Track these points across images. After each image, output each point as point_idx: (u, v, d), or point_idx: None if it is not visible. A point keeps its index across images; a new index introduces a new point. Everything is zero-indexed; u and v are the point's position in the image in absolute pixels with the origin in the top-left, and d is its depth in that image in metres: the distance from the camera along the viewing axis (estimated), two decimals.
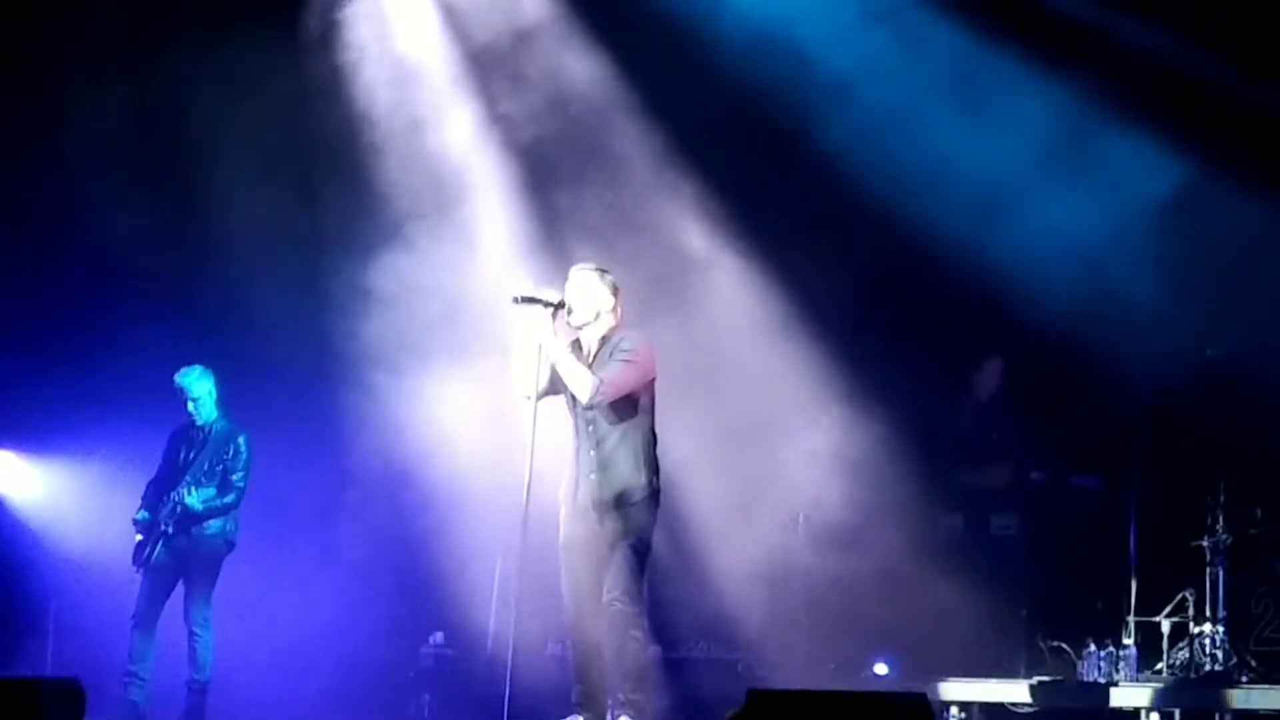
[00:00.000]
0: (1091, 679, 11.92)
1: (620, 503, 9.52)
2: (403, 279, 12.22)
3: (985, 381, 13.10)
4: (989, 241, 12.37)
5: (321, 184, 12.67)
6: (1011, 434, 12.99)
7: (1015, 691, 12.03)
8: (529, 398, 9.62)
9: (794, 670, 11.55)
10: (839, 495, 12.54)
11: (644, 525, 9.56)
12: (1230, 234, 11.91)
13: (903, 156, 12.38)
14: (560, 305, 9.61)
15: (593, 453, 9.59)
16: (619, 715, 9.41)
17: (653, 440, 9.68)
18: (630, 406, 9.60)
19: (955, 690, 12.10)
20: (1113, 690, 11.71)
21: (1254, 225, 11.88)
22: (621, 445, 9.58)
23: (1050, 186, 12.19)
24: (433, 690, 12.09)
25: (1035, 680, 12.00)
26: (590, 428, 9.61)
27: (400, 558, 12.29)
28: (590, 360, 9.64)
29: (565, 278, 9.76)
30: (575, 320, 9.67)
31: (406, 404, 12.18)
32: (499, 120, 12.54)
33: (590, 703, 9.56)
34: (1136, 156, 12.15)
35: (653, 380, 9.70)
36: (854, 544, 12.58)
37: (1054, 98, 12.28)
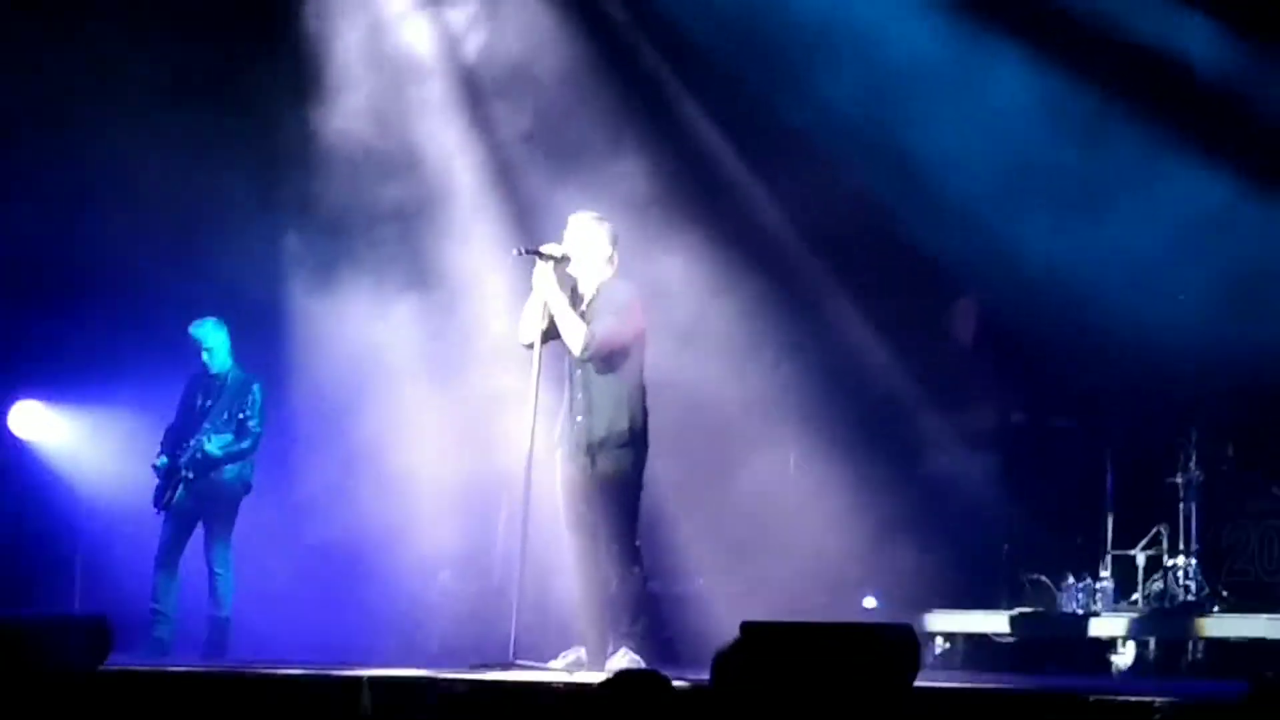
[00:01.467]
0: (1070, 610, 11.92)
1: (608, 445, 9.55)
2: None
3: (961, 322, 13.01)
4: (971, 186, 12.32)
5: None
6: (993, 379, 12.95)
7: (997, 622, 12.04)
8: (530, 345, 9.62)
9: (786, 604, 11.52)
10: (826, 436, 12.52)
11: (632, 466, 9.59)
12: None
13: (893, 106, 12.33)
14: (563, 259, 9.61)
15: (581, 397, 9.62)
16: (619, 647, 9.41)
17: (640, 386, 9.69)
18: (620, 356, 9.62)
19: (940, 621, 12.12)
20: (1091, 621, 11.72)
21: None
22: (609, 391, 9.59)
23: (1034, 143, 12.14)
24: (442, 626, 12.07)
25: (1017, 611, 12.01)
26: (580, 373, 9.64)
27: (408, 499, 12.25)
28: (585, 308, 9.62)
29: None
30: (573, 268, 9.66)
31: (410, 355, 12.14)
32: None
33: (591, 634, 9.55)
34: (1109, 118, 12.10)
35: (642, 331, 9.67)
36: (844, 483, 12.56)
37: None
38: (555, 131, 12.24)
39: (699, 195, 12.38)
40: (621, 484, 9.52)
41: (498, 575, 10.93)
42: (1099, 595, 11.93)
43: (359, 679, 8.65)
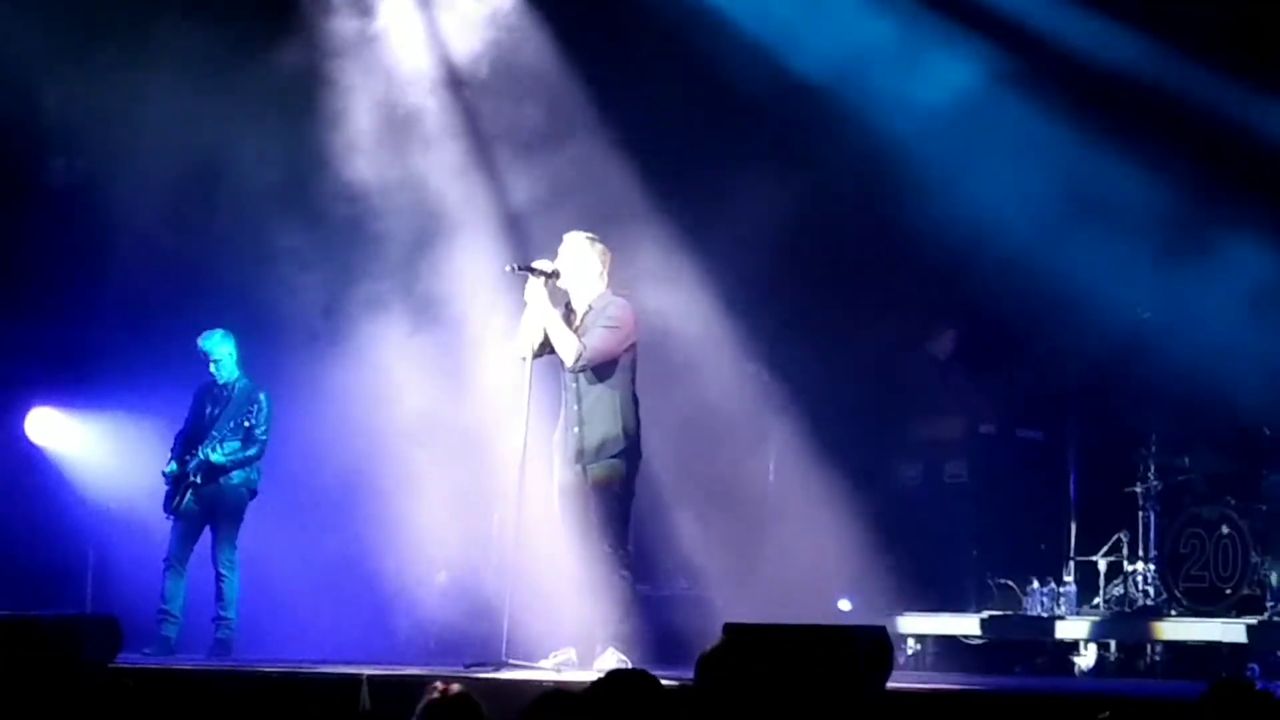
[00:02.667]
0: (1035, 613, 11.93)
1: (601, 454, 9.59)
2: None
3: (941, 346, 13.07)
4: (945, 208, 12.33)
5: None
6: (963, 391, 12.97)
7: (966, 625, 12.04)
8: (524, 358, 9.67)
9: (766, 606, 11.52)
10: (807, 445, 12.53)
11: (624, 475, 9.64)
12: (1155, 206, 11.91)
13: (865, 117, 12.35)
14: (553, 274, 9.66)
15: (576, 408, 9.66)
16: (607, 648, 9.42)
17: (632, 398, 9.74)
18: (611, 367, 9.68)
19: (912, 624, 12.12)
20: (1055, 624, 11.73)
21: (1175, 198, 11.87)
22: (602, 402, 9.64)
23: (990, 164, 12.14)
24: (439, 626, 12.07)
25: (984, 614, 12.02)
26: (575, 385, 9.69)
27: (409, 505, 12.25)
28: (579, 323, 9.66)
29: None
30: (565, 284, 9.71)
31: (415, 361, 12.13)
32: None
33: (580, 635, 9.57)
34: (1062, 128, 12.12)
35: (634, 343, 9.72)
36: (820, 490, 12.58)
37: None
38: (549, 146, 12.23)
39: (684, 204, 12.37)
40: (614, 491, 9.57)
41: (493, 578, 10.92)
42: (1062, 599, 11.95)
43: (358, 677, 8.66)
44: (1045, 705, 8.08)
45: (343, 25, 12.21)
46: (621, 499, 9.62)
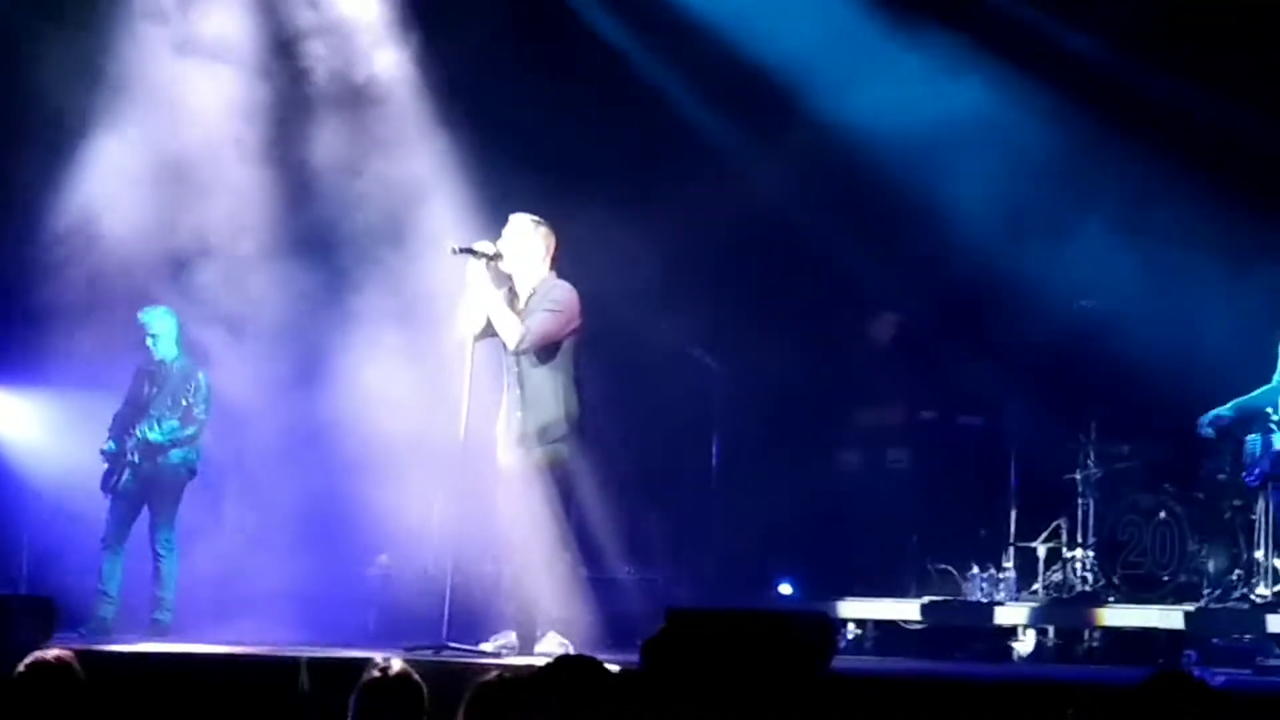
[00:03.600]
0: (975, 599, 11.99)
1: (543, 437, 9.55)
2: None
3: (882, 331, 13.11)
4: (889, 196, 12.38)
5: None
6: (904, 377, 13.01)
7: (906, 610, 12.08)
8: (465, 342, 9.61)
9: (709, 591, 11.56)
10: (749, 430, 12.56)
11: (566, 458, 9.59)
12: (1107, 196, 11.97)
13: (809, 99, 12.36)
14: (495, 256, 9.61)
15: (519, 391, 9.63)
16: (548, 631, 9.40)
17: (575, 381, 9.68)
18: (553, 351, 9.63)
19: (853, 608, 12.15)
20: (994, 609, 11.78)
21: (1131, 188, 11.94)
22: (544, 385, 9.60)
23: (951, 146, 12.18)
24: (379, 608, 12.03)
25: (925, 600, 12.06)
26: (517, 368, 9.64)
27: (349, 486, 12.20)
28: (522, 306, 9.62)
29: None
30: (507, 267, 9.65)
31: (349, 349, 12.08)
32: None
33: (521, 619, 9.54)
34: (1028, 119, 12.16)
35: (578, 328, 9.67)
36: (762, 475, 12.61)
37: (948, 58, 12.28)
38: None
39: (631, 189, 12.36)
40: (556, 474, 9.53)
41: (433, 560, 10.88)
42: (1002, 585, 12.01)
43: (297, 659, 8.62)
44: (983, 690, 8.10)
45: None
46: (564, 482, 9.58)
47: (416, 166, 12.07)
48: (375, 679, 5.87)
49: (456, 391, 9.63)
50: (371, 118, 12.16)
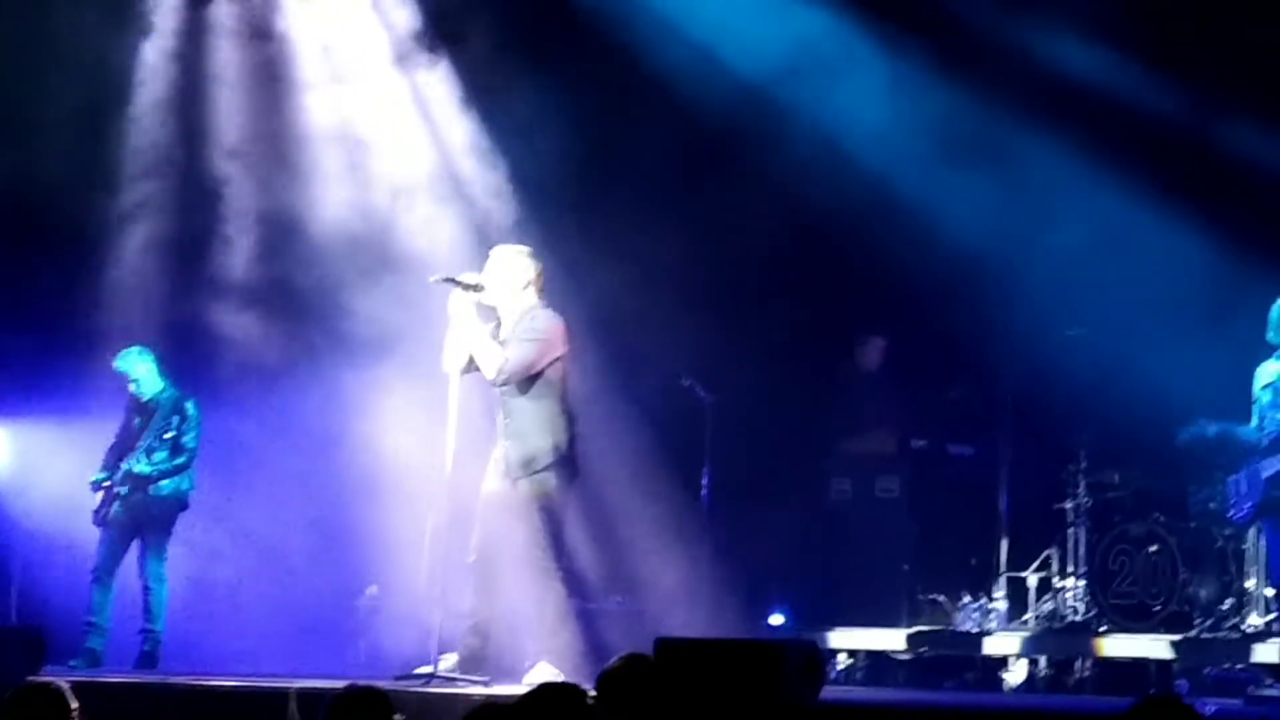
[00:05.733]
0: (966, 629, 11.97)
1: (529, 468, 9.53)
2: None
3: (869, 356, 13.10)
4: (877, 224, 12.40)
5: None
6: (895, 406, 13.01)
7: (897, 640, 12.07)
8: (451, 373, 9.59)
9: (699, 621, 11.54)
10: (740, 460, 12.56)
11: (554, 489, 9.55)
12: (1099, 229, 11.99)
13: (796, 132, 12.38)
14: (476, 287, 9.59)
15: (506, 421, 9.63)
16: (539, 661, 9.39)
17: (562, 412, 9.64)
18: (539, 381, 9.59)
19: (843, 638, 12.13)
20: (985, 639, 11.77)
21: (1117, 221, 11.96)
22: (530, 415, 9.57)
23: (941, 176, 12.20)
24: (368, 639, 12.02)
25: (915, 630, 12.05)
26: (504, 399, 9.63)
27: (340, 518, 12.20)
28: (506, 336, 9.61)
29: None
30: (490, 299, 9.63)
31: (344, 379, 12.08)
32: None
33: (476, 639, 9.52)
34: (1030, 148, 12.18)
35: (560, 357, 9.65)
36: (753, 505, 12.61)
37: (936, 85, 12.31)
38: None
39: (619, 217, 12.38)
40: (544, 504, 9.50)
41: (423, 591, 10.87)
42: (993, 615, 12.00)
43: (287, 690, 8.60)
44: None
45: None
46: (553, 513, 9.54)
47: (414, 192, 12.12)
48: (341, 694, 5.93)
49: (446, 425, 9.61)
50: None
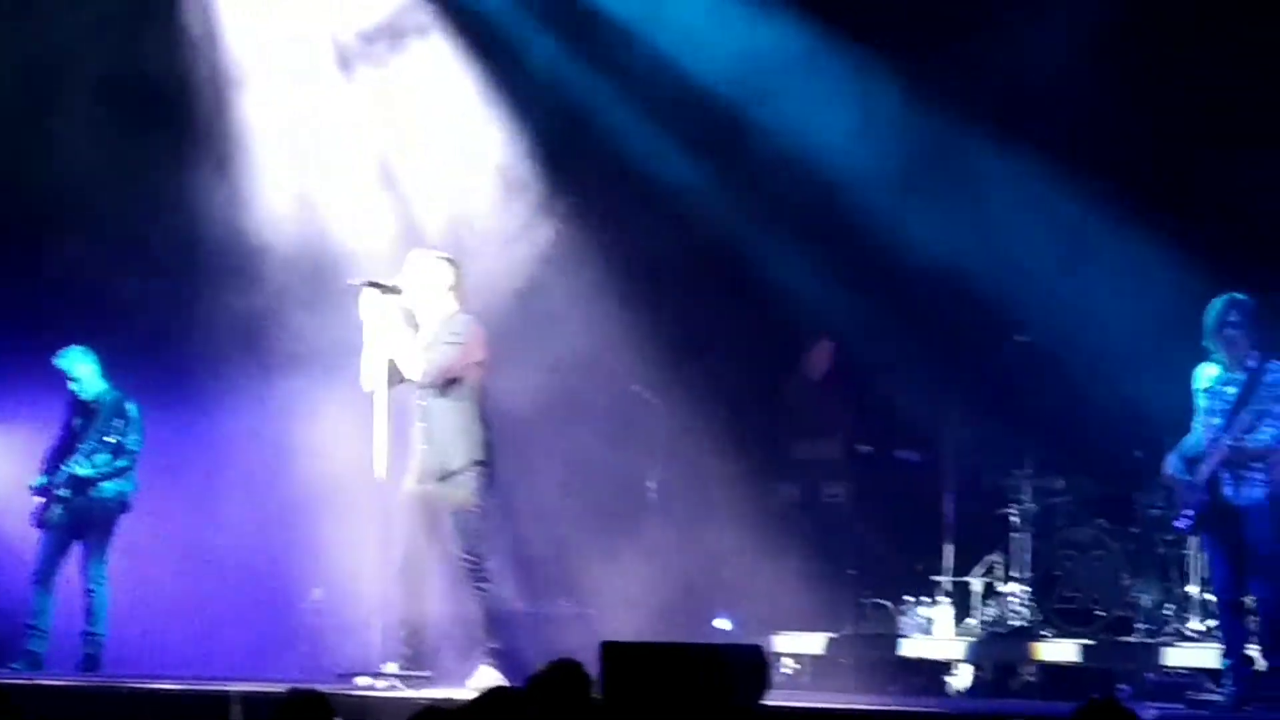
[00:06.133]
0: (910, 633, 12.02)
1: (451, 472, 9.53)
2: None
3: (817, 360, 13.13)
4: (823, 227, 12.45)
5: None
6: (842, 412, 13.06)
7: (842, 644, 12.11)
8: (377, 383, 9.62)
9: (647, 625, 11.56)
10: (686, 465, 12.58)
11: (471, 493, 9.53)
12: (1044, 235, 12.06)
13: (749, 137, 12.41)
14: (392, 289, 9.64)
15: (425, 425, 9.62)
16: (480, 665, 9.39)
17: (479, 417, 9.63)
18: (456, 386, 9.59)
19: (788, 642, 12.17)
20: (929, 644, 11.82)
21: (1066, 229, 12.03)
22: (446, 421, 9.56)
23: (894, 184, 12.27)
24: (312, 643, 12.00)
25: (860, 634, 12.09)
26: (423, 404, 9.63)
27: (285, 523, 12.17)
28: (427, 341, 9.62)
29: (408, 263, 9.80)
30: (410, 303, 9.66)
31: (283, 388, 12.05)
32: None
33: (412, 645, 9.52)
34: (981, 158, 12.26)
35: (480, 362, 9.67)
36: (700, 509, 12.63)
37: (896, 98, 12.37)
38: None
39: (567, 229, 12.39)
40: (462, 510, 9.50)
41: (366, 594, 10.87)
42: (937, 620, 12.05)
43: (229, 694, 8.58)
44: None
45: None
46: (471, 517, 9.52)
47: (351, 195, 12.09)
48: (285, 699, 5.94)
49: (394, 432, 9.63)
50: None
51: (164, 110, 12.36)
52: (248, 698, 8.51)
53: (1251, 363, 9.49)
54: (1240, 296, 9.57)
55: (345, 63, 12.30)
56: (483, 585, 9.48)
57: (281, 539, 12.29)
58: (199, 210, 12.34)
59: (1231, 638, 9.59)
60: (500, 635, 9.45)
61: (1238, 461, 9.42)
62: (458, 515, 9.49)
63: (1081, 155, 11.96)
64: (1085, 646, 11.25)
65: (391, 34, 12.27)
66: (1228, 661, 9.55)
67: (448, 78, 12.24)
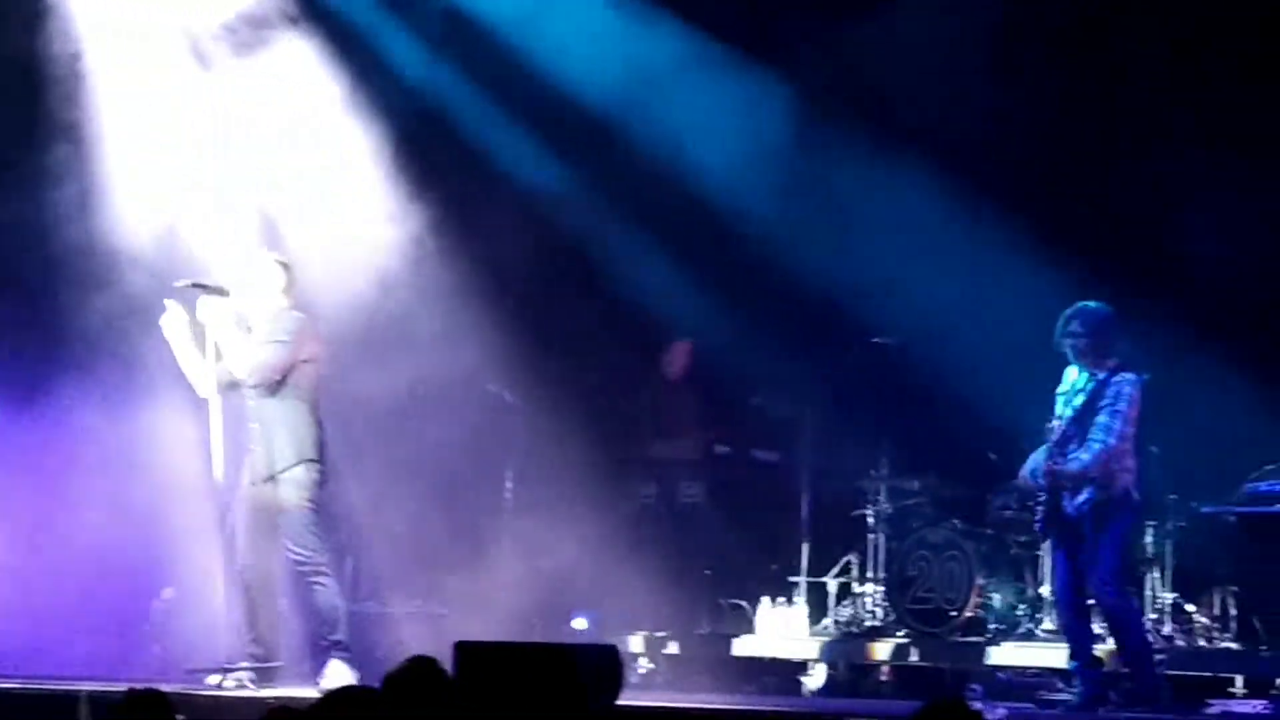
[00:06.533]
0: (766, 634, 12.09)
1: (282, 471, 9.55)
2: None
3: (675, 360, 13.16)
4: (684, 230, 12.51)
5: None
6: (700, 412, 13.11)
7: (698, 644, 12.17)
8: (205, 385, 9.66)
9: (503, 625, 11.55)
10: (543, 464, 12.59)
11: (303, 492, 9.55)
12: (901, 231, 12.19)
13: (609, 143, 12.45)
14: (218, 289, 9.66)
15: (254, 426, 9.64)
16: (329, 661, 9.38)
17: (309, 415, 9.66)
18: (285, 385, 9.60)
19: (644, 643, 12.20)
20: (785, 644, 11.91)
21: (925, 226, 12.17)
22: (276, 420, 9.59)
23: (749, 182, 12.35)
24: (163, 642, 11.87)
25: (717, 634, 12.16)
26: (253, 404, 9.64)
27: (137, 522, 12.03)
28: (256, 340, 9.63)
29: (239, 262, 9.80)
30: (239, 303, 9.67)
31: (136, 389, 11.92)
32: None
33: (259, 644, 9.54)
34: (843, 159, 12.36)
35: (308, 360, 9.67)
36: (558, 509, 12.63)
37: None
38: None
39: (431, 226, 12.35)
40: (296, 508, 9.51)
41: (217, 594, 10.79)
42: (793, 620, 12.14)
43: (78, 693, 8.49)
44: None
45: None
46: (305, 515, 9.54)
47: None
48: (123, 696, 5.91)
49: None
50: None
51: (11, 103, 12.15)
52: (96, 697, 8.41)
53: (1102, 374, 9.53)
54: (1090, 305, 9.60)
55: (202, 56, 12.13)
56: (318, 581, 9.50)
57: (134, 539, 12.15)
58: (53, 210, 12.15)
59: (1074, 639, 9.72)
60: (342, 629, 9.47)
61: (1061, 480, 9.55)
62: (287, 514, 9.51)
63: (946, 160, 12.09)
64: (936, 646, 11.39)
65: (251, 27, 12.12)
66: (1074, 664, 9.70)
67: (308, 74, 12.12)
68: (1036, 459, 9.70)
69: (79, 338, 11.93)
